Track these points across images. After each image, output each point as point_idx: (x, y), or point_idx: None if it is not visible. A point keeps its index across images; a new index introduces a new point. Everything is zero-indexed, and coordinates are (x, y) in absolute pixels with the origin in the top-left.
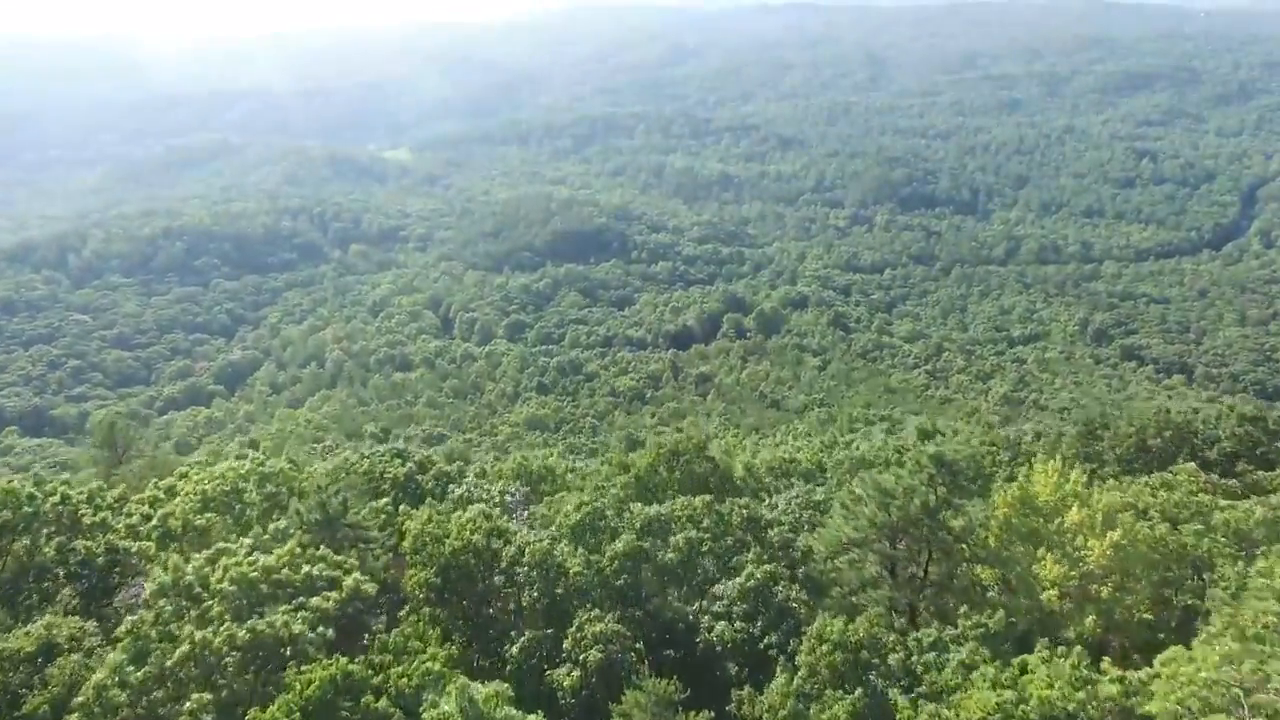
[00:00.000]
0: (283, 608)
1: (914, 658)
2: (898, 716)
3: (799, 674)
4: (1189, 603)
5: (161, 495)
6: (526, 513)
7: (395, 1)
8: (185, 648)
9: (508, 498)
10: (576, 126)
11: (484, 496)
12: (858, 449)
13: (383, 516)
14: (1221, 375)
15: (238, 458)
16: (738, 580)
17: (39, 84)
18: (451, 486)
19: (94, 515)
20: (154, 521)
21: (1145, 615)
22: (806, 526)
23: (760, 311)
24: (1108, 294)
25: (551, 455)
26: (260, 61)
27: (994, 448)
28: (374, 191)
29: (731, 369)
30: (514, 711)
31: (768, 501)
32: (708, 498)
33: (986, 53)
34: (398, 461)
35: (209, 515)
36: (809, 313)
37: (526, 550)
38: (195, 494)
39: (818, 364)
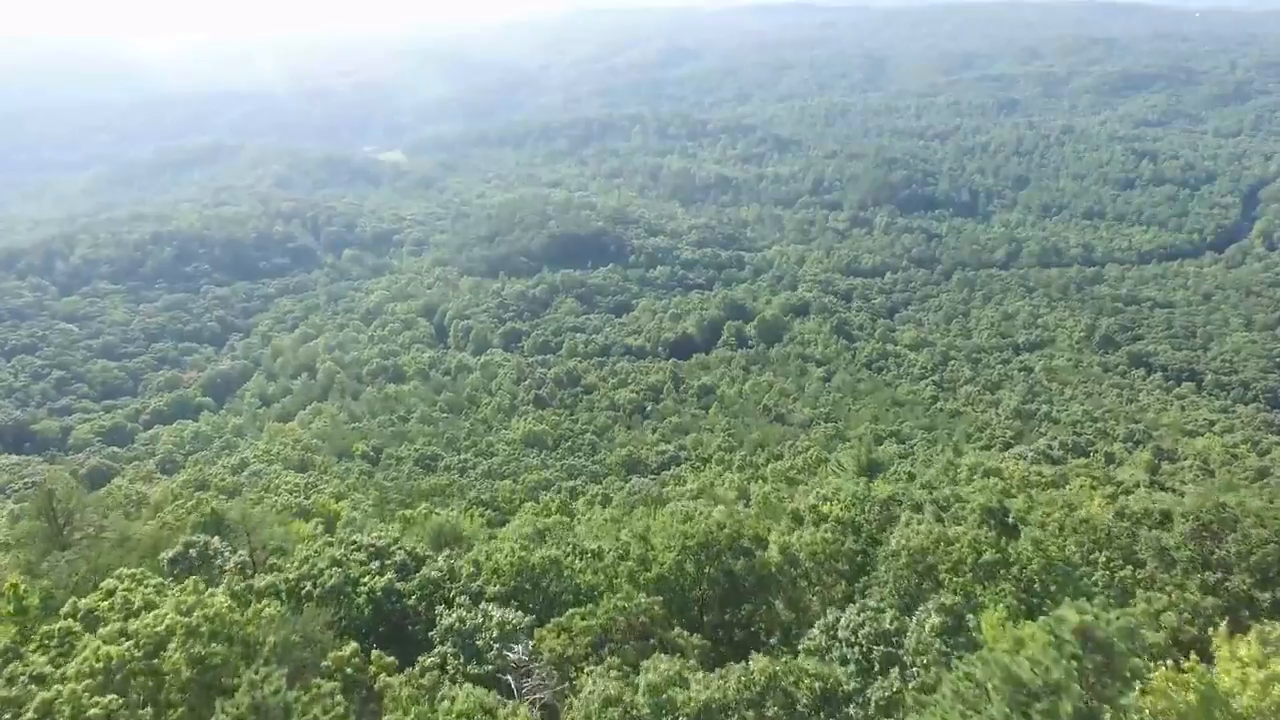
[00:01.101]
0: None
1: None
2: None
3: None
4: None
5: (76, 627)
6: (530, 643)
7: (392, 2)
8: None
9: (509, 655)
10: (573, 128)
11: (479, 623)
12: (907, 530)
13: (349, 669)
14: (1232, 383)
15: (156, 592)
16: None
17: (34, 85)
18: (440, 609)
19: None
20: (30, 713)
21: None
22: (878, 667)
23: (762, 319)
24: (1112, 298)
25: (552, 512)
26: (257, 63)
27: (1079, 534)
28: (368, 194)
29: (734, 380)
30: None
31: (824, 622)
32: (768, 666)
33: (984, 53)
34: (375, 565)
35: (110, 698)
36: (811, 320)
37: None
38: (98, 660)
39: (822, 374)
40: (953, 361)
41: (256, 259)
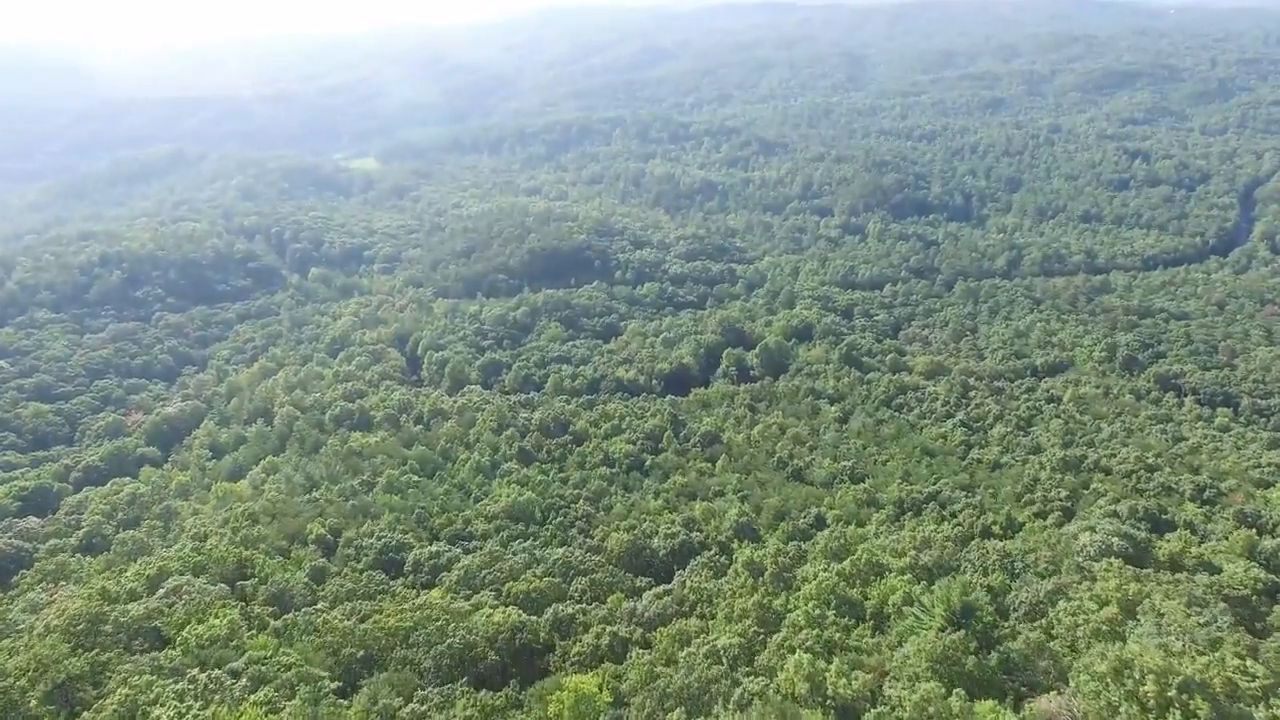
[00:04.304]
0: None
1: None
2: None
3: None
4: None
5: None
6: None
7: (363, 4)
8: None
9: None
10: (550, 132)
11: None
12: None
13: None
14: (1270, 407)
15: None
16: None
17: None
18: None
19: None
20: None
21: None
22: None
23: (764, 346)
24: (1124, 310)
25: None
26: (222, 66)
27: None
28: (338, 206)
29: (739, 421)
30: None
31: None
32: None
33: (963, 51)
34: None
35: None
36: (816, 345)
37: None
38: None
39: (837, 414)
40: (974, 392)
41: (215, 281)
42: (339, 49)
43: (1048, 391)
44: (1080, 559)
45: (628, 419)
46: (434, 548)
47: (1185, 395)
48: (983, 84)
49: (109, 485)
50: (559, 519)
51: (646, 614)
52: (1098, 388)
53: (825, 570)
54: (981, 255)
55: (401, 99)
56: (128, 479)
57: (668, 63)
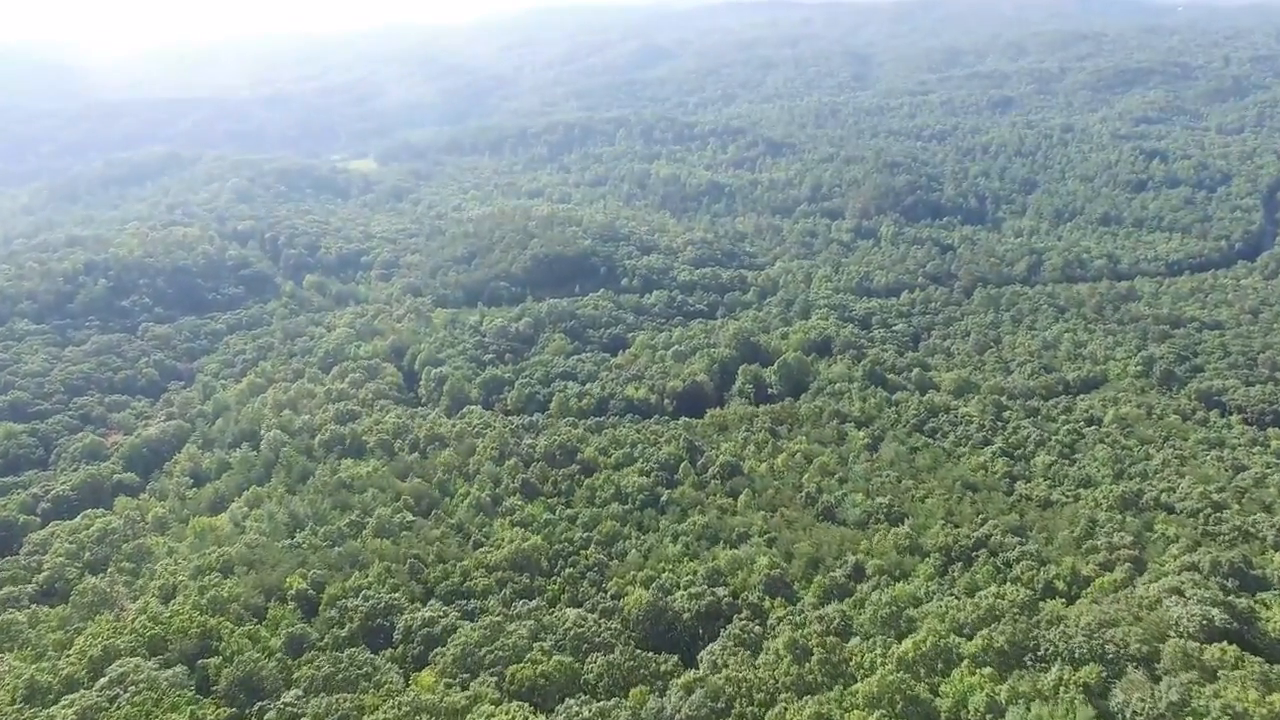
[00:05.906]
0: None
1: None
2: None
3: None
4: None
5: None
6: None
7: (359, 4)
8: None
9: None
10: (552, 133)
11: None
12: None
13: None
14: None
15: None
16: None
17: None
18: None
19: None
20: None
21: None
22: None
23: (783, 363)
24: (1154, 319)
25: None
26: (218, 67)
27: None
28: (334, 209)
29: (760, 447)
30: None
31: None
32: None
33: (969, 49)
34: None
35: None
36: (837, 362)
37: None
38: None
39: (865, 440)
40: (1009, 413)
41: (205, 289)
42: (335, 49)
43: (1086, 412)
44: (1180, 639)
45: (640, 445)
46: (427, 611)
47: (1231, 414)
48: (991, 83)
49: (79, 518)
50: (568, 569)
51: (676, 717)
52: (1139, 407)
53: (883, 658)
54: (1000, 260)
55: (399, 99)
56: (100, 511)
57: (668, 62)
